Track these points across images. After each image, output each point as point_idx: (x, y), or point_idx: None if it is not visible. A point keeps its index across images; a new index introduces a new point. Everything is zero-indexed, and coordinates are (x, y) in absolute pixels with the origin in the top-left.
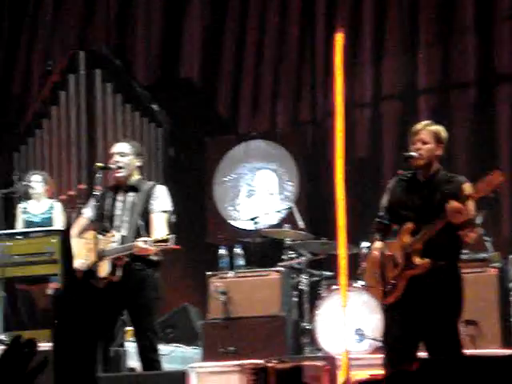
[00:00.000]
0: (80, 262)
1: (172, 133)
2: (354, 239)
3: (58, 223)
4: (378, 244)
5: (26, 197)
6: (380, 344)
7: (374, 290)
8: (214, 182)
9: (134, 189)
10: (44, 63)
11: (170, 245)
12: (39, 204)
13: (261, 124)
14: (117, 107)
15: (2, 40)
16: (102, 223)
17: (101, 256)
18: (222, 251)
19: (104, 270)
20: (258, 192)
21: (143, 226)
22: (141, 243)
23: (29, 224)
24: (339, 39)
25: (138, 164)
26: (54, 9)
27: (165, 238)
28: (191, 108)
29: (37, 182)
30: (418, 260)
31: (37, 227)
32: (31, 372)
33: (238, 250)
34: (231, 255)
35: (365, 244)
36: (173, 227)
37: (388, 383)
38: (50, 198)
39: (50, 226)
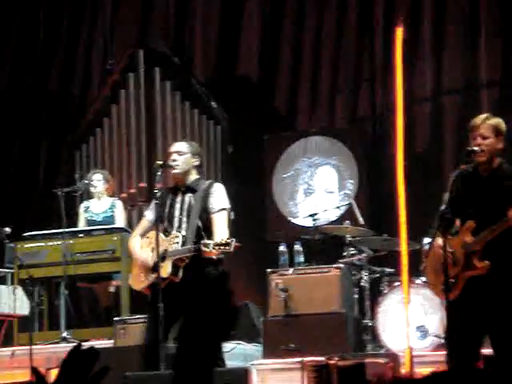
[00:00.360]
0: (146, 254)
1: (231, 130)
2: (415, 235)
3: (120, 222)
4: (439, 240)
5: (88, 195)
6: (443, 341)
7: (435, 286)
8: (273, 178)
9: (191, 189)
10: (103, 62)
11: (231, 248)
12: (100, 202)
13: (319, 120)
14: (176, 105)
15: (62, 40)
16: (163, 225)
17: (163, 256)
18: (282, 248)
19: (166, 270)
20: (317, 190)
21: (202, 227)
22: (202, 246)
23: (91, 223)
24: (399, 33)
25: (196, 163)
26: (112, 8)
27: (226, 241)
28: (250, 105)
29: (98, 180)
30: (478, 262)
31: (98, 226)
32: (93, 378)
33: (297, 247)
34: (291, 252)
35: (426, 240)
36: (232, 224)
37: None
38: (111, 196)
39: (112, 224)
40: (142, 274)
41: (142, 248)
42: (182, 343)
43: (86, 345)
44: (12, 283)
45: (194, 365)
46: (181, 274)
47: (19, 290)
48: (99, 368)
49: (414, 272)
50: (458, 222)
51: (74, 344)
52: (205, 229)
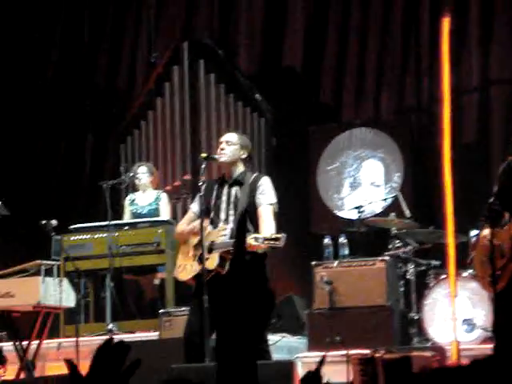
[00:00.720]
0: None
1: (275, 122)
2: (462, 227)
3: (165, 214)
4: (487, 232)
5: (133, 188)
6: (490, 334)
7: (482, 279)
8: (318, 171)
9: (238, 182)
10: (148, 55)
11: (281, 244)
12: (145, 195)
13: (365, 111)
14: (220, 97)
15: (107, 33)
16: (210, 217)
17: (210, 248)
18: (327, 241)
19: (213, 262)
20: (363, 183)
21: (248, 219)
22: (252, 240)
23: (136, 215)
24: (446, 24)
25: (243, 156)
26: (157, 1)
27: (277, 236)
28: (294, 97)
29: (143, 173)
30: None
31: (143, 218)
32: (126, 371)
33: (342, 240)
34: (336, 245)
35: (474, 232)
36: (277, 217)
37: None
38: (156, 188)
39: (157, 216)
40: (188, 264)
41: (188, 241)
42: (221, 334)
43: (131, 337)
44: (58, 275)
45: (235, 356)
46: (227, 266)
47: (65, 283)
48: (132, 361)
49: (461, 264)
50: (506, 215)
51: (106, 338)
52: (251, 222)
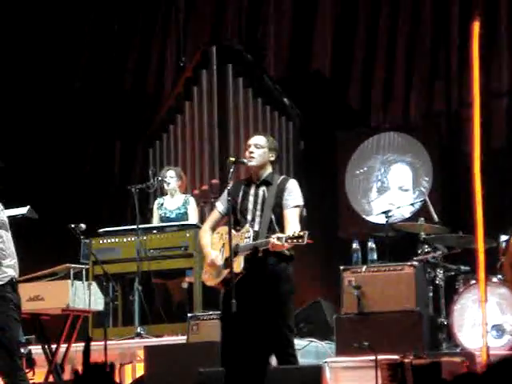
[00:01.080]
0: (215, 253)
1: (303, 126)
2: (491, 232)
3: (193, 218)
4: None
5: (161, 192)
6: None
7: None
8: (346, 175)
9: (265, 183)
10: (177, 59)
11: (304, 241)
12: (174, 199)
13: (393, 116)
14: (248, 101)
15: (136, 37)
16: (235, 217)
17: (235, 251)
18: (355, 245)
19: (238, 265)
20: (391, 187)
21: (275, 221)
22: (275, 240)
23: (164, 219)
24: (476, 28)
25: (272, 158)
26: (186, 5)
27: (299, 234)
28: (322, 101)
29: (171, 177)
30: None
31: (172, 222)
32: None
33: (370, 244)
34: (364, 249)
35: (503, 237)
36: (305, 221)
37: None
38: (184, 192)
39: (185, 220)
40: (215, 268)
41: (212, 244)
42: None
43: (159, 340)
44: (87, 279)
45: (242, 363)
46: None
47: (94, 286)
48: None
49: (491, 270)
50: None
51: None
52: (277, 223)
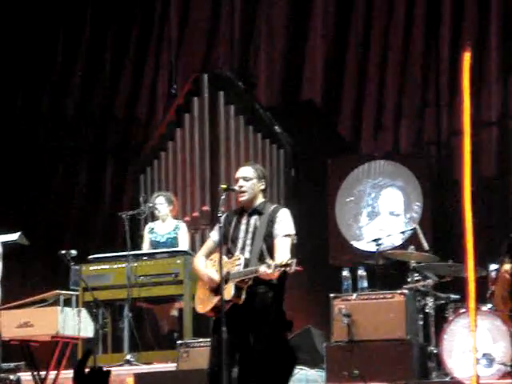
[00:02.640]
0: (211, 271)
1: (294, 154)
2: (481, 261)
3: (183, 244)
4: (507, 266)
5: (152, 218)
6: (509, 369)
7: (502, 313)
8: (337, 203)
9: (257, 212)
10: (169, 86)
11: (292, 269)
12: (165, 224)
13: (384, 144)
14: (239, 129)
15: (128, 65)
16: (227, 246)
17: (226, 278)
18: (345, 273)
19: (229, 292)
20: (381, 212)
21: (266, 250)
22: (264, 267)
23: (155, 244)
24: (466, 59)
25: (262, 187)
26: (178, 32)
27: (287, 262)
28: (313, 129)
29: (161, 203)
30: None
31: (162, 247)
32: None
33: (361, 272)
34: (354, 277)
35: (493, 266)
36: (295, 249)
37: None
38: (175, 218)
39: (175, 246)
40: (206, 296)
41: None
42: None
43: (148, 368)
44: (77, 305)
45: None
46: (244, 295)
47: (84, 313)
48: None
49: (481, 299)
50: None
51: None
52: (269, 252)
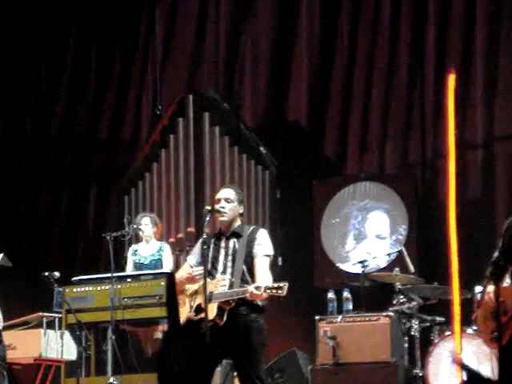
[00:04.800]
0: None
1: (279, 175)
2: (466, 283)
3: (167, 265)
4: (491, 288)
5: (136, 239)
6: None
7: (484, 335)
8: (322, 224)
9: (236, 235)
10: (153, 107)
11: (284, 293)
12: (149, 246)
13: (369, 165)
14: (224, 150)
15: (112, 86)
16: (208, 268)
17: (209, 298)
18: (331, 295)
19: (212, 312)
20: (368, 236)
21: (247, 271)
22: (254, 289)
23: (139, 265)
24: (451, 81)
25: (241, 211)
26: (163, 54)
27: (279, 285)
28: (298, 150)
29: (146, 224)
30: None
31: (146, 269)
32: None
33: (346, 294)
34: (340, 299)
35: (478, 288)
36: (280, 270)
37: None
38: (159, 239)
39: (159, 267)
40: (184, 314)
41: (185, 291)
42: None
43: None
44: (60, 328)
45: None
46: (225, 317)
47: (67, 335)
48: None
49: (466, 321)
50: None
51: None
52: (249, 273)
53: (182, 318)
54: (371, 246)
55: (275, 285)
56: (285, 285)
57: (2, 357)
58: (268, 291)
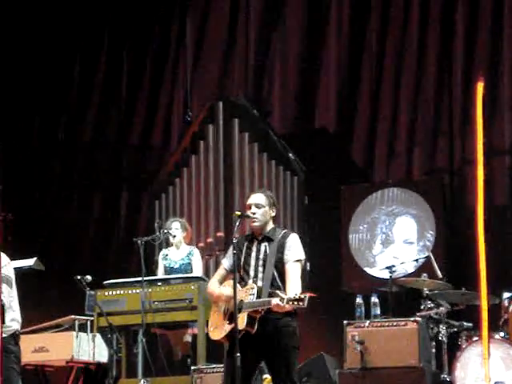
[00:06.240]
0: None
1: (307, 181)
2: (494, 289)
3: (197, 269)
4: None
5: (166, 244)
6: None
7: None
8: (350, 229)
9: (268, 239)
10: (183, 113)
11: (305, 305)
12: (179, 250)
13: (396, 172)
14: (254, 156)
15: (143, 92)
16: (239, 273)
17: (239, 307)
18: (359, 300)
19: (242, 321)
20: (395, 240)
21: (277, 276)
22: (276, 301)
23: (169, 270)
24: (479, 89)
25: (273, 214)
26: (193, 61)
27: (300, 297)
28: (327, 156)
29: (176, 228)
30: None
31: (176, 273)
32: None
33: (374, 299)
34: (367, 304)
35: (506, 294)
36: (308, 275)
37: None
38: (189, 244)
39: (189, 271)
40: (220, 323)
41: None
42: None
43: None
44: (92, 331)
45: None
46: (256, 325)
47: (98, 338)
48: None
49: (493, 327)
50: None
51: None
52: (280, 278)
53: (222, 333)
54: (398, 251)
55: (297, 297)
56: (306, 296)
57: (19, 358)
58: (290, 303)
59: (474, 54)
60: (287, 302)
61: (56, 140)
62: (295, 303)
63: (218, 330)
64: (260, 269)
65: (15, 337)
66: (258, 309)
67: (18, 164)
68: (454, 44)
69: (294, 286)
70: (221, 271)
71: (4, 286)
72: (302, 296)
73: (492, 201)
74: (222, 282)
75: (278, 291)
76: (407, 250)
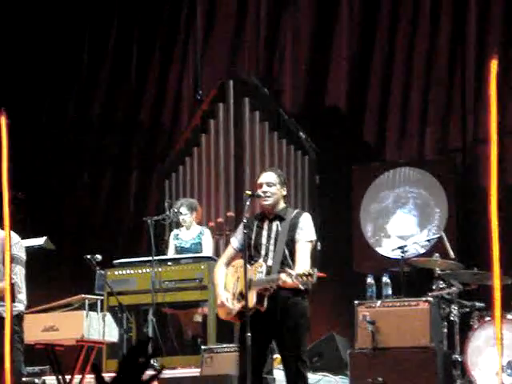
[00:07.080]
0: (226, 295)
1: (318, 160)
2: (506, 269)
3: (207, 249)
4: None
5: (177, 224)
6: None
7: None
8: (361, 209)
9: (279, 218)
10: (194, 92)
11: (314, 279)
12: (189, 231)
13: (408, 151)
14: (264, 135)
15: (153, 71)
16: (249, 252)
17: (249, 285)
18: (370, 280)
19: (251, 299)
20: (407, 220)
21: (288, 255)
22: (285, 277)
23: (179, 250)
24: (493, 66)
25: (284, 193)
26: (203, 39)
27: (309, 272)
28: (337, 135)
29: (185, 213)
30: None
31: (187, 253)
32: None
33: (385, 279)
34: (379, 284)
35: None
36: (319, 255)
37: None
38: (199, 224)
39: (200, 251)
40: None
41: (228, 277)
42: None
43: (172, 373)
44: (102, 310)
45: None
46: (266, 303)
47: (108, 317)
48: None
49: (505, 307)
50: None
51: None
52: (291, 257)
53: (231, 313)
54: (409, 232)
55: (305, 272)
56: (314, 271)
57: (22, 338)
58: (299, 278)
59: (487, 31)
60: (296, 278)
61: (65, 120)
62: (304, 278)
63: (227, 309)
64: (271, 247)
65: (19, 318)
66: (267, 286)
67: (29, 143)
68: (466, 20)
69: (302, 264)
70: (228, 251)
71: (18, 266)
72: (311, 271)
73: (504, 180)
74: (229, 262)
75: (286, 268)
76: (417, 232)
